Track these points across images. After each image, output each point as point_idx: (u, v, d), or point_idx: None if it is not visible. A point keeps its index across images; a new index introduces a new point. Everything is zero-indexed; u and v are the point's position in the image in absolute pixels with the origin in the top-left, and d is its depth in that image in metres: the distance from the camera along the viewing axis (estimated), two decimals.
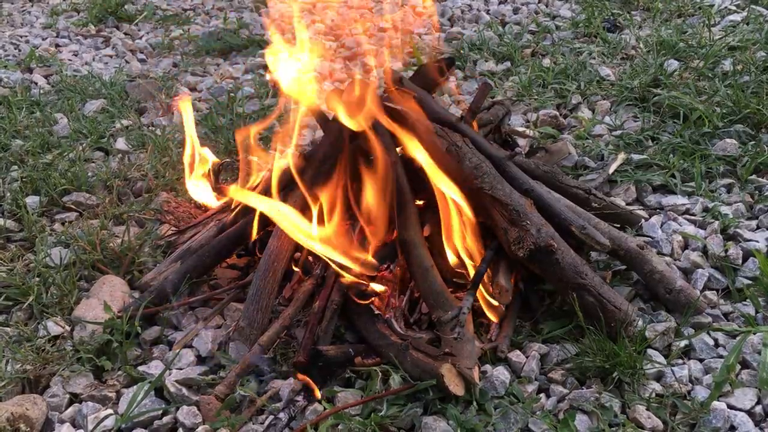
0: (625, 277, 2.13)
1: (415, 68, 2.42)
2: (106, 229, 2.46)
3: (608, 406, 1.72)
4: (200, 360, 1.97)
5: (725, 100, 2.87)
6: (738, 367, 1.82)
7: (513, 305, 1.99)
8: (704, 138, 2.72)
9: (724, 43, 3.37)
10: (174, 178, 2.74)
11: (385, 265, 2.04)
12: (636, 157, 2.66)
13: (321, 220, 2.00)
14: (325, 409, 1.75)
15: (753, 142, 2.68)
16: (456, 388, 1.72)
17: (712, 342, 1.91)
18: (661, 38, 3.52)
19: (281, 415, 1.74)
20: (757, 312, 2.00)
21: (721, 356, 1.87)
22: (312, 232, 1.95)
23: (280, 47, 2.07)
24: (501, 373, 1.80)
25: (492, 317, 1.95)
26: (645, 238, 2.26)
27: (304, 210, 2.05)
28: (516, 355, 1.88)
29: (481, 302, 1.94)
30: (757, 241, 2.21)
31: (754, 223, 2.34)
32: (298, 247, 2.09)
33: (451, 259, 1.98)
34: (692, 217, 2.38)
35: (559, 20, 4.07)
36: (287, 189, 2.16)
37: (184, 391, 1.84)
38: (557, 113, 3.05)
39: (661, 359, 1.86)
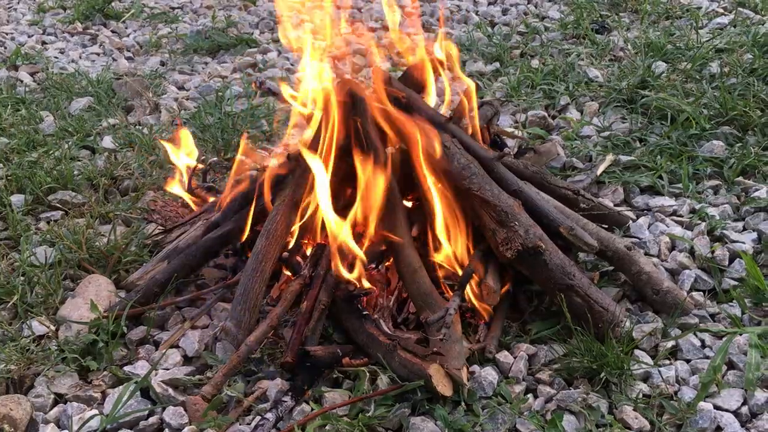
0: (613, 278, 2.13)
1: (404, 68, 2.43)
2: (92, 228, 2.45)
3: (595, 407, 1.73)
4: (187, 360, 1.96)
5: (712, 102, 2.89)
6: (724, 367, 1.83)
7: (501, 306, 1.99)
8: (691, 140, 2.74)
9: (711, 45, 3.39)
10: (161, 176, 2.73)
11: (373, 265, 2.03)
12: (624, 158, 2.67)
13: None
14: (312, 409, 1.75)
15: (740, 144, 2.70)
16: (444, 388, 1.71)
17: (698, 343, 1.92)
18: (649, 40, 3.53)
19: (268, 415, 1.73)
20: (743, 313, 2.01)
21: (707, 357, 1.88)
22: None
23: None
24: (489, 374, 1.80)
25: (484, 316, 1.95)
26: (632, 239, 2.27)
27: (294, 208, 2.05)
28: (504, 356, 1.88)
29: (474, 301, 1.94)
30: (744, 243, 2.22)
31: (740, 224, 2.35)
32: (286, 248, 2.08)
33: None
34: (679, 219, 2.40)
35: (548, 21, 4.08)
36: (277, 188, 2.15)
37: (171, 391, 1.83)
38: (546, 114, 3.06)
39: (648, 360, 1.86)
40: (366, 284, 1.97)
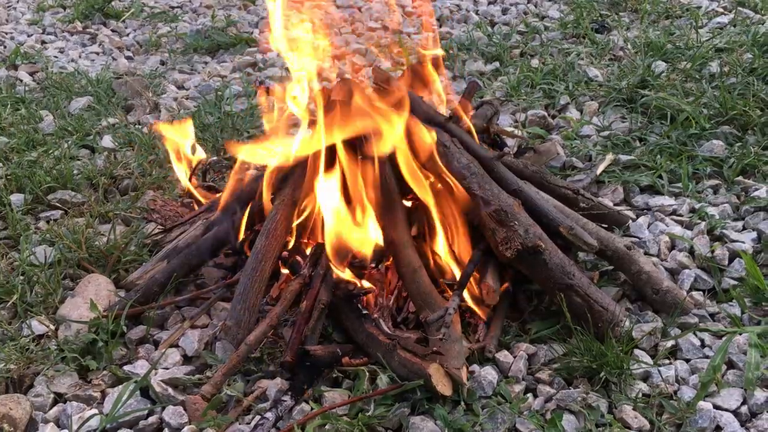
0: (613, 277, 2.13)
1: (403, 68, 2.43)
2: (91, 227, 2.44)
3: (595, 406, 1.73)
4: (186, 359, 1.96)
5: (712, 101, 2.89)
6: (724, 367, 1.83)
7: (501, 305, 1.99)
8: (691, 139, 2.74)
9: (711, 44, 3.39)
10: (161, 176, 2.72)
11: (373, 265, 2.03)
12: (624, 157, 2.67)
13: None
14: (312, 409, 1.75)
15: (739, 144, 2.70)
16: (444, 388, 1.71)
17: (698, 342, 1.92)
18: (648, 40, 3.53)
19: (268, 415, 1.73)
20: (743, 313, 2.01)
21: (707, 356, 1.88)
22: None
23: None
24: (488, 373, 1.80)
25: (482, 315, 1.95)
26: (632, 239, 2.26)
27: (292, 208, 2.05)
28: (504, 355, 1.88)
29: (470, 302, 1.94)
30: (743, 242, 2.22)
31: (740, 224, 2.35)
32: (285, 247, 2.08)
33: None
34: (679, 218, 2.39)
35: (548, 21, 4.08)
36: (277, 188, 2.15)
37: (170, 390, 1.83)
38: (545, 114, 3.06)
39: (648, 359, 1.86)
40: (366, 283, 1.97)
